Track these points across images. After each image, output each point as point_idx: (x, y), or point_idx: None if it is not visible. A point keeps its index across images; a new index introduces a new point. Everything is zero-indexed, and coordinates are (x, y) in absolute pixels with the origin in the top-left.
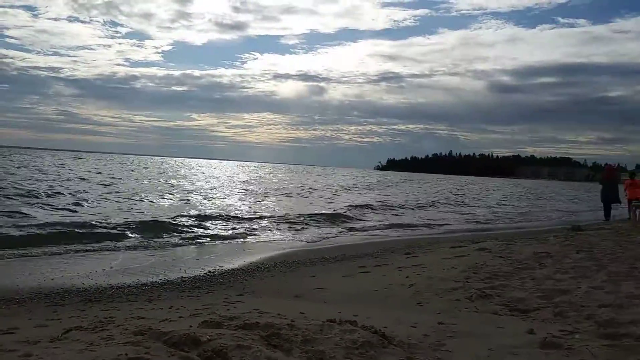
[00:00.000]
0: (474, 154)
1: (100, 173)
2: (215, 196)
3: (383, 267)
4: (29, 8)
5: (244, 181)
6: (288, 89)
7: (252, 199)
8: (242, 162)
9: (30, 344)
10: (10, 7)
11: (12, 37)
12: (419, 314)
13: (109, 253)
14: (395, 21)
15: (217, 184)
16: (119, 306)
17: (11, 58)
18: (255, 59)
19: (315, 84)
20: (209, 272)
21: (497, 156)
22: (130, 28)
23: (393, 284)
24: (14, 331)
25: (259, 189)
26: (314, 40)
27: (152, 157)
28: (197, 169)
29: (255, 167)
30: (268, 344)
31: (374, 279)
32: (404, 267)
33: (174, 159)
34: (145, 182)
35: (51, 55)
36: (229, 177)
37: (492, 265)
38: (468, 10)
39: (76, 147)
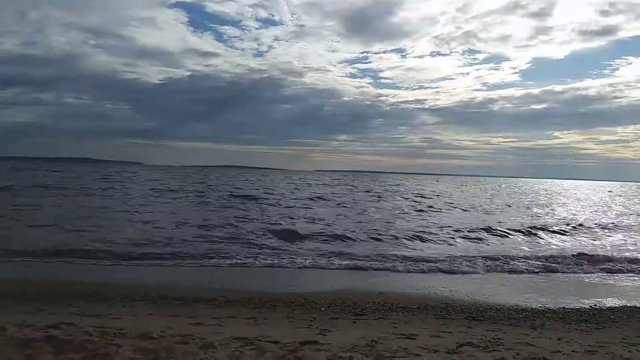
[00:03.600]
0: None
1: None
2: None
3: None
4: (398, 51)
5: None
6: None
7: None
8: (614, 182)
9: (430, 352)
10: (384, 52)
11: (385, 78)
12: None
13: (489, 275)
14: None
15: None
16: (503, 329)
17: (385, 96)
18: (629, 64)
19: None
20: (593, 306)
21: None
22: (488, 53)
23: None
24: (415, 337)
25: None
26: None
27: (509, 178)
28: (570, 193)
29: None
30: None
31: None
32: None
33: (533, 179)
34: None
35: (417, 89)
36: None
37: None
38: None
39: (435, 170)
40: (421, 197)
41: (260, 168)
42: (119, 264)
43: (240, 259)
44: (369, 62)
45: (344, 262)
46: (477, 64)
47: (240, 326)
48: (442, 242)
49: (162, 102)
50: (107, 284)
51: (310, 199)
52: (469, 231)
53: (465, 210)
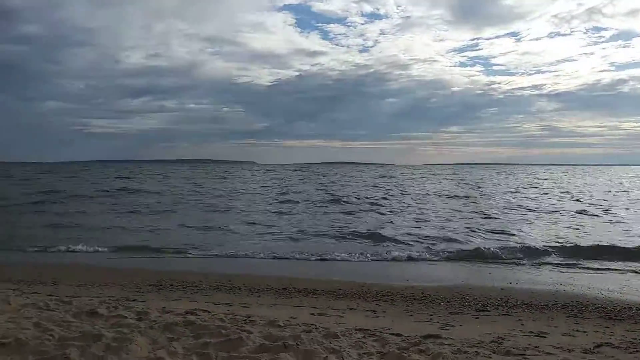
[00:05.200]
0: None
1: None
2: None
3: None
4: (512, 34)
5: None
6: None
7: None
8: None
9: (564, 351)
10: (496, 37)
11: (498, 64)
12: None
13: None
14: None
15: None
16: None
17: (498, 83)
18: None
19: None
20: None
21: None
22: (615, 29)
23: None
24: (545, 335)
25: None
26: None
27: None
28: None
29: None
30: None
31: None
32: None
33: None
34: None
35: (533, 74)
36: None
37: None
38: None
39: (556, 160)
40: (567, 192)
41: (367, 164)
42: (244, 257)
43: (348, 255)
44: (479, 49)
45: (461, 254)
46: (602, 42)
47: (360, 318)
48: None
49: (273, 103)
50: (235, 276)
51: (440, 195)
52: None
53: None
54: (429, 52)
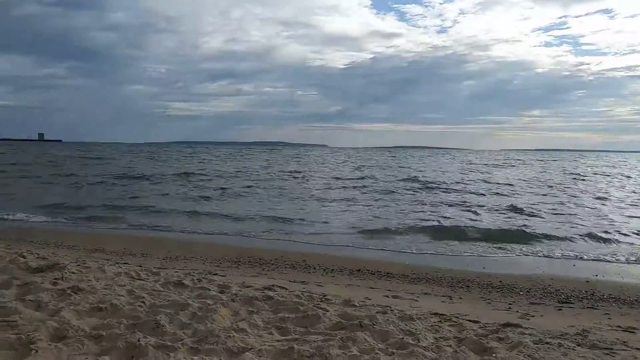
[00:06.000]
0: None
1: None
2: None
3: None
4: (605, 11)
5: None
6: None
7: None
8: None
9: None
10: (586, 14)
11: (588, 44)
12: None
13: None
14: None
15: None
16: None
17: (587, 64)
18: None
19: None
20: None
21: None
22: None
23: None
24: (634, 331)
25: None
26: None
27: None
28: None
29: None
30: None
31: None
32: None
33: None
34: None
35: (628, 54)
36: None
37: None
38: None
39: None
40: None
41: (441, 148)
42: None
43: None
44: (567, 28)
45: (541, 247)
46: None
47: (435, 303)
48: None
49: (346, 86)
50: (310, 255)
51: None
52: None
53: None
54: (512, 31)
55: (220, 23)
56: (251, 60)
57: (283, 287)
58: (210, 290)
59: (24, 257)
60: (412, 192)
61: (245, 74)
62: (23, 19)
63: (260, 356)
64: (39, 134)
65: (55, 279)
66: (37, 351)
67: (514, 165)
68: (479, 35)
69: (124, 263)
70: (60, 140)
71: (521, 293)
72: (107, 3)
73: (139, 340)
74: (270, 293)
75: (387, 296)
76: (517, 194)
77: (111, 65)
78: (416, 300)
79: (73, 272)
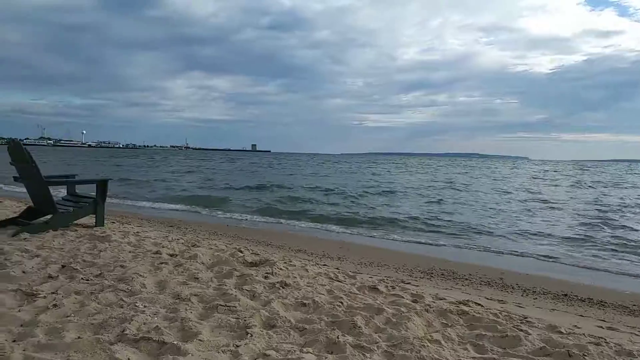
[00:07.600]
0: None
1: None
2: None
3: None
4: None
5: None
6: None
7: None
8: None
9: None
10: None
11: None
12: None
13: None
14: None
15: None
16: None
17: None
18: None
19: None
20: None
21: None
22: None
23: None
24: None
25: None
26: None
27: None
28: None
29: None
30: None
31: None
32: None
33: None
34: None
35: None
36: None
37: None
38: None
39: None
40: None
41: None
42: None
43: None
44: None
45: None
46: None
47: None
48: None
49: (551, 92)
50: (508, 272)
51: None
52: None
53: None
54: None
55: (417, 33)
56: (446, 69)
57: (478, 304)
58: (403, 298)
59: (241, 252)
60: None
61: (439, 84)
62: (241, 44)
63: None
64: (252, 144)
65: (266, 273)
66: (252, 335)
67: None
68: None
69: (323, 264)
70: (269, 151)
71: None
72: (315, 22)
73: (338, 338)
74: (465, 308)
75: (601, 327)
76: None
77: (314, 81)
78: (638, 335)
79: (281, 269)
